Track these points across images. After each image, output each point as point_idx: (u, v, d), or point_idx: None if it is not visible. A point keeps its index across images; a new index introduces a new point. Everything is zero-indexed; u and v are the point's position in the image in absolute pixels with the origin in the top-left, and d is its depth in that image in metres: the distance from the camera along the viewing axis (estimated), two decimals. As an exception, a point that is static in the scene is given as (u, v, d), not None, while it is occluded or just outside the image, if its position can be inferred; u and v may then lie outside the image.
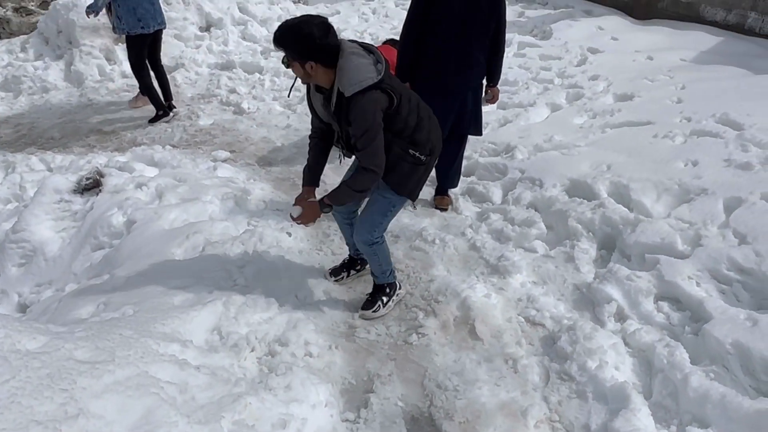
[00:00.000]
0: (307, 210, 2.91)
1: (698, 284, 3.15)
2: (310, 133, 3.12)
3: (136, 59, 6.26)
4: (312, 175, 3.11)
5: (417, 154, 2.89)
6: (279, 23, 7.66)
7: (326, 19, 2.69)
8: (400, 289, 3.46)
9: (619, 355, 2.87)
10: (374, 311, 3.33)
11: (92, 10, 5.96)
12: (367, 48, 2.73)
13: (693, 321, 3.02)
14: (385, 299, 3.37)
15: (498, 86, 4.19)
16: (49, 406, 1.98)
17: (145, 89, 6.40)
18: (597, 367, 2.78)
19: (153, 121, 6.54)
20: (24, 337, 2.28)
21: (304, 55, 2.59)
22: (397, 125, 2.79)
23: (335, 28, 2.73)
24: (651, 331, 2.98)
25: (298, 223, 2.95)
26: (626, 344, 2.97)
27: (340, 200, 2.88)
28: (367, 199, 3.14)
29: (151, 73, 6.42)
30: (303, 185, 3.10)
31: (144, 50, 6.25)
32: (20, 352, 2.19)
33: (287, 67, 2.69)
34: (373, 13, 9.22)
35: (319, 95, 2.81)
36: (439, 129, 3.05)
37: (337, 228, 4.17)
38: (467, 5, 3.62)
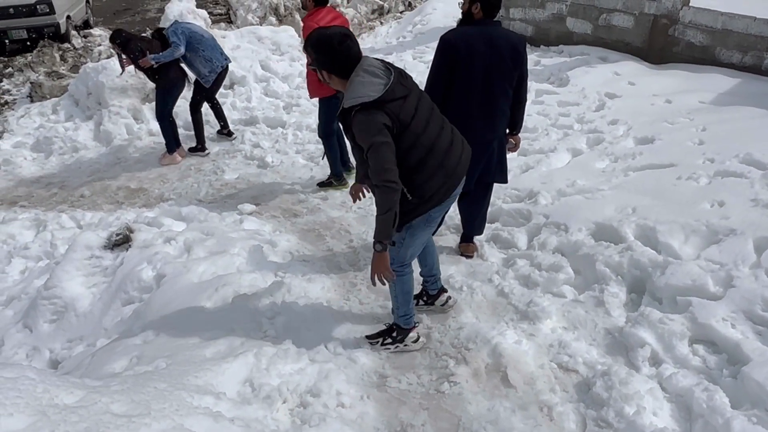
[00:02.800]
0: (375, 263, 2.89)
1: (733, 326, 3.10)
2: None
3: (199, 101, 7.05)
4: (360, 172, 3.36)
5: (404, 191, 2.84)
6: (300, 79, 7.78)
7: (347, 33, 2.78)
8: (415, 341, 3.43)
9: (656, 401, 2.82)
10: (371, 342, 3.44)
11: (156, 59, 6.43)
12: (387, 69, 2.79)
13: (730, 364, 2.97)
14: (387, 340, 3.41)
15: (519, 134, 4.23)
16: (88, 461, 2.00)
17: (198, 127, 7.14)
18: (635, 413, 2.73)
19: (192, 150, 7.22)
20: (62, 392, 2.31)
21: (322, 64, 2.79)
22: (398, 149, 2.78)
23: None
24: (688, 375, 2.93)
25: (378, 281, 2.95)
26: (663, 389, 2.92)
27: (381, 231, 2.81)
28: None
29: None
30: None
31: (208, 93, 7.02)
32: (58, 407, 2.22)
33: (315, 70, 2.90)
34: (391, 66, 9.38)
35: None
36: (452, 183, 3.00)
37: (363, 277, 4.21)
38: (491, 57, 3.67)
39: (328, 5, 5.42)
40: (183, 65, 6.82)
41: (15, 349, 4.15)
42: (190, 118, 7.18)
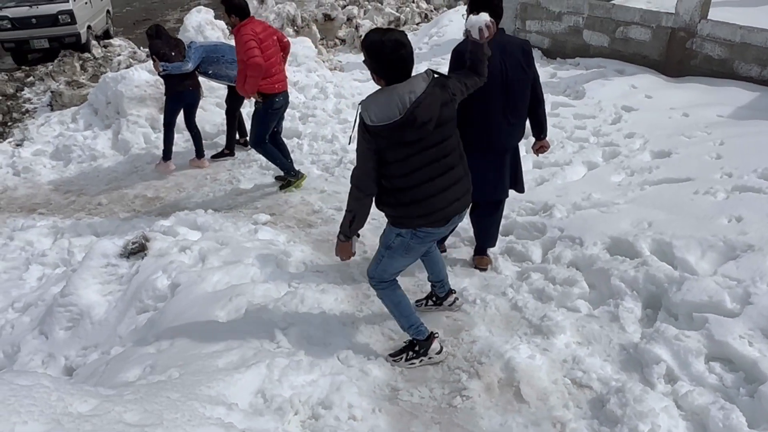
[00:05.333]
0: (337, 248, 3.14)
1: (751, 344, 3.06)
2: None
3: (236, 105, 7.24)
4: None
5: (384, 208, 3.05)
6: (316, 89, 7.91)
7: (405, 42, 2.77)
8: (438, 353, 3.42)
9: (671, 419, 2.78)
10: (395, 360, 3.41)
11: (164, 68, 6.54)
12: (411, 108, 2.74)
13: (747, 382, 2.92)
14: (411, 355, 3.40)
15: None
16: (100, 470, 2.00)
17: (231, 132, 7.36)
18: (649, 431, 2.69)
19: (216, 156, 7.38)
20: (75, 400, 2.33)
21: (369, 66, 2.85)
22: (385, 169, 2.90)
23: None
24: (704, 393, 2.89)
25: (342, 259, 3.20)
26: (678, 407, 2.88)
27: (342, 225, 3.04)
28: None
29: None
30: None
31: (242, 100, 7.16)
32: (72, 415, 2.23)
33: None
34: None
35: None
36: (430, 221, 3.01)
37: (377, 289, 4.20)
38: (505, 62, 3.66)
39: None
40: (201, 78, 6.96)
41: (31, 356, 4.19)
42: (218, 125, 7.39)
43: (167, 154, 7.17)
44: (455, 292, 3.91)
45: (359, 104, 2.80)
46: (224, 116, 7.39)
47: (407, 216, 3.00)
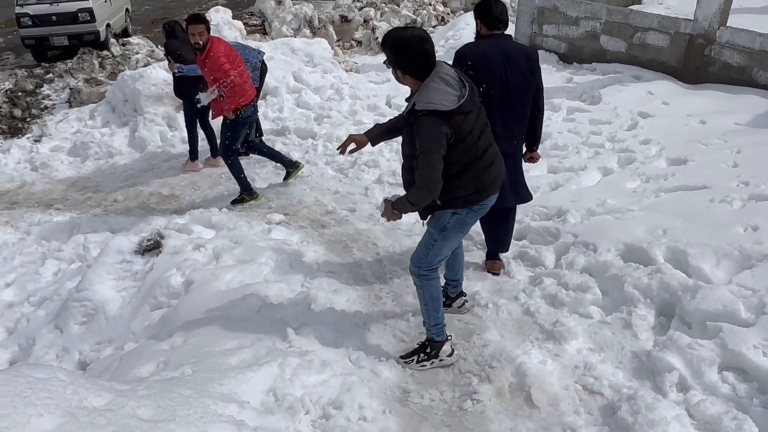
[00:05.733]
0: (385, 208, 3.21)
1: (765, 354, 3.03)
2: None
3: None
4: (373, 131, 3.41)
5: (446, 194, 3.05)
6: (331, 91, 8.02)
7: (425, 37, 2.88)
8: (449, 355, 3.43)
9: (683, 428, 2.77)
10: (406, 362, 3.41)
11: (180, 69, 6.58)
12: (461, 81, 2.92)
13: (761, 393, 2.91)
14: (423, 357, 3.40)
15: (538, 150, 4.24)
16: (113, 464, 2.03)
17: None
18: (661, 439, 2.68)
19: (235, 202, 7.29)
20: (90, 394, 2.36)
21: (395, 63, 2.92)
22: (449, 156, 2.94)
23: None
24: (716, 403, 2.88)
25: (386, 219, 3.28)
26: (690, 416, 2.86)
27: (400, 208, 3.11)
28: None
29: None
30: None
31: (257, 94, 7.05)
32: (87, 409, 2.26)
33: (388, 67, 3.00)
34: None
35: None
36: (480, 198, 3.15)
37: (389, 291, 4.21)
38: (507, 67, 3.69)
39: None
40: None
41: (45, 349, 4.25)
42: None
43: (194, 153, 7.22)
44: (466, 295, 3.93)
45: (420, 106, 2.82)
46: None
47: (468, 195, 3.10)
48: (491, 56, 3.69)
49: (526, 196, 4.26)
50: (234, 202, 6.13)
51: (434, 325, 3.37)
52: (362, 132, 3.50)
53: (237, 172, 6.11)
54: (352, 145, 3.43)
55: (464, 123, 2.90)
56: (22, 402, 2.12)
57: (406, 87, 3.04)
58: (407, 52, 2.84)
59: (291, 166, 6.47)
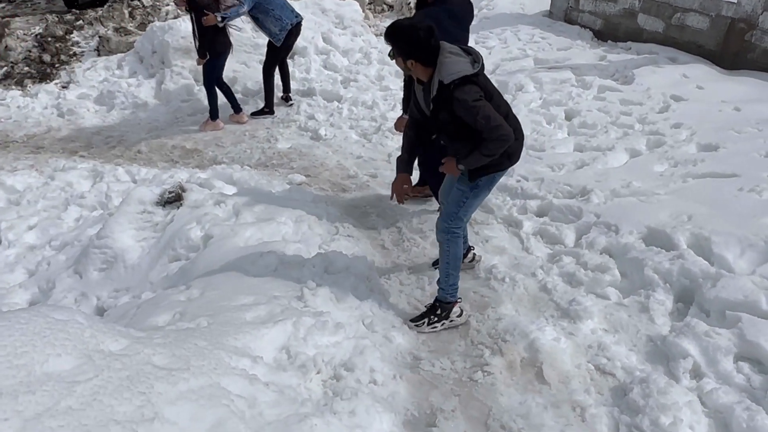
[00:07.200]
0: (447, 164, 3.28)
1: (783, 347, 2.99)
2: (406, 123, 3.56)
3: (272, 62, 7.25)
4: (406, 164, 3.48)
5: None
6: (360, 54, 8.05)
7: (432, 27, 3.01)
8: (459, 316, 3.51)
9: (694, 414, 2.75)
10: (417, 325, 3.48)
11: (225, 16, 6.59)
12: (465, 50, 3.07)
13: (776, 385, 2.87)
14: (433, 319, 3.47)
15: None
16: (127, 407, 2.06)
17: (269, 89, 7.39)
18: (671, 424, 2.67)
19: (256, 114, 7.49)
20: (107, 338, 2.39)
21: (408, 54, 3.00)
22: None
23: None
24: (729, 392, 2.85)
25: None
26: (702, 403, 2.84)
27: (471, 163, 3.13)
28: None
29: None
30: (398, 173, 3.51)
31: (282, 53, 7.22)
32: (103, 353, 2.29)
33: (392, 59, 3.11)
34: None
35: (420, 86, 3.18)
36: (518, 150, 3.31)
37: (406, 258, 4.21)
38: (455, 24, 4.26)
39: None
40: (233, 31, 7.01)
41: (65, 293, 4.30)
42: (261, 82, 7.42)
43: (215, 112, 7.21)
44: (473, 249, 4.08)
45: (448, 79, 2.92)
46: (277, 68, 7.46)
47: (511, 152, 3.23)
48: (441, 19, 3.95)
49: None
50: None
51: (451, 285, 3.45)
52: (397, 165, 3.66)
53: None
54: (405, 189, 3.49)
55: (487, 84, 3.07)
56: (41, 341, 2.15)
57: None
58: (419, 40, 2.95)
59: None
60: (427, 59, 3.00)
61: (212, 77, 6.97)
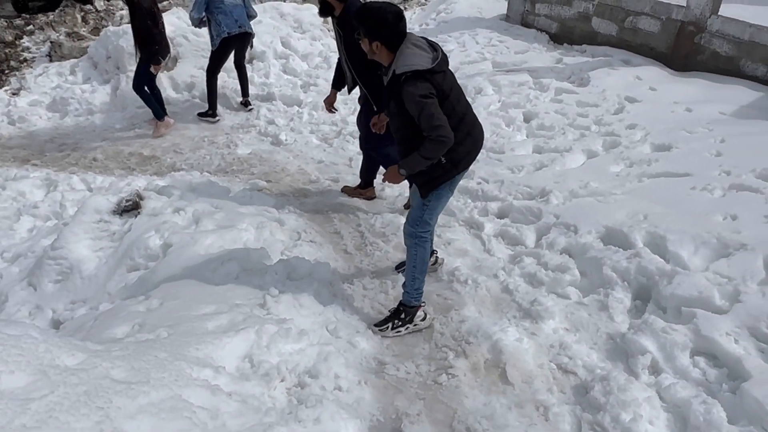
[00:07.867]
0: (389, 172, 3.25)
1: (736, 341, 3.08)
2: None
3: (217, 63, 7.12)
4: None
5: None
6: (319, 58, 8.09)
7: (402, 11, 3.05)
8: (423, 319, 3.52)
9: (653, 409, 2.81)
10: (381, 330, 3.48)
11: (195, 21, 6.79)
12: (431, 45, 3.06)
13: (731, 379, 2.95)
14: (398, 323, 3.47)
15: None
16: (85, 423, 2.01)
17: (211, 92, 7.29)
18: (631, 420, 2.72)
19: (201, 115, 7.39)
20: (63, 353, 2.33)
21: (374, 35, 2.99)
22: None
23: None
24: (687, 387, 2.92)
25: (387, 183, 3.65)
26: (661, 398, 2.90)
27: (410, 167, 3.10)
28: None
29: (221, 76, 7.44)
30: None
31: (229, 54, 7.12)
32: (59, 368, 2.23)
33: (359, 41, 3.10)
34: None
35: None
36: (475, 152, 3.32)
37: (369, 262, 4.21)
38: None
39: None
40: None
41: (18, 306, 4.18)
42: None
43: (159, 113, 7.12)
44: (436, 252, 4.09)
45: (400, 70, 2.92)
46: (236, 73, 7.47)
47: (466, 152, 3.24)
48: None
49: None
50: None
51: (416, 289, 3.45)
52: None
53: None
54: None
55: (444, 82, 3.02)
56: (-8, 358, 2.08)
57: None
58: (387, 24, 2.96)
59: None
60: (390, 43, 2.99)
61: (142, 80, 6.87)
